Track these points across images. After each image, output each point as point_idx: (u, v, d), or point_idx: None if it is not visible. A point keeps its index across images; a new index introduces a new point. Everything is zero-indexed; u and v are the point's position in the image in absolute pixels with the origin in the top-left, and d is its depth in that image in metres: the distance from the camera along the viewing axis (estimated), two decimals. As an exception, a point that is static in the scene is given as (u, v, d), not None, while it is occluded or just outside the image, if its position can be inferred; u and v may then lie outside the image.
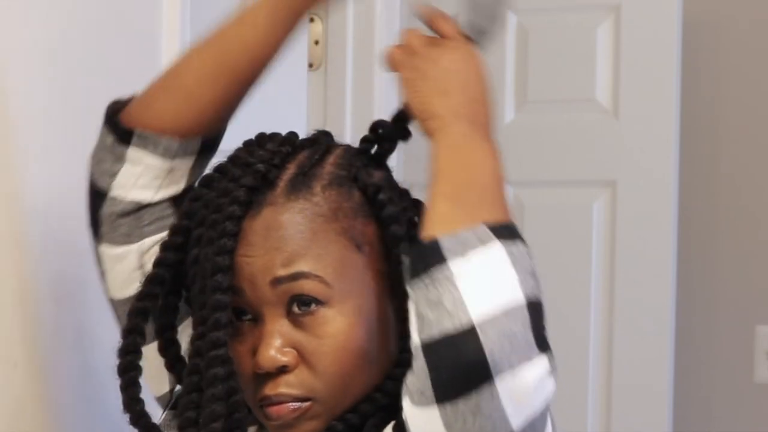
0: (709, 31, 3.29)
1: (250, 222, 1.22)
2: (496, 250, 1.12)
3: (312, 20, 2.90)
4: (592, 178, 3.20)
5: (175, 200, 1.35)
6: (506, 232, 1.14)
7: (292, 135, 1.29)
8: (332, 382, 1.21)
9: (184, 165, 1.34)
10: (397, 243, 1.22)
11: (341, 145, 1.30)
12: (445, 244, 1.11)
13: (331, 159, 1.27)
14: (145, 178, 1.33)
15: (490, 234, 1.12)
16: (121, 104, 1.37)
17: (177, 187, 1.35)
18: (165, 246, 1.28)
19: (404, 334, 1.21)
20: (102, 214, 1.35)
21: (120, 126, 1.34)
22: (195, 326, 1.24)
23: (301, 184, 1.23)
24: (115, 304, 1.38)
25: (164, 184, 1.34)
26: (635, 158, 3.12)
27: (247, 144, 1.28)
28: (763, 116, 3.25)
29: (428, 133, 1.21)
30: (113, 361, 1.67)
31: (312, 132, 1.32)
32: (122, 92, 1.77)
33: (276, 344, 1.21)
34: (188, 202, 1.28)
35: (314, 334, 1.21)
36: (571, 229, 3.20)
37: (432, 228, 1.14)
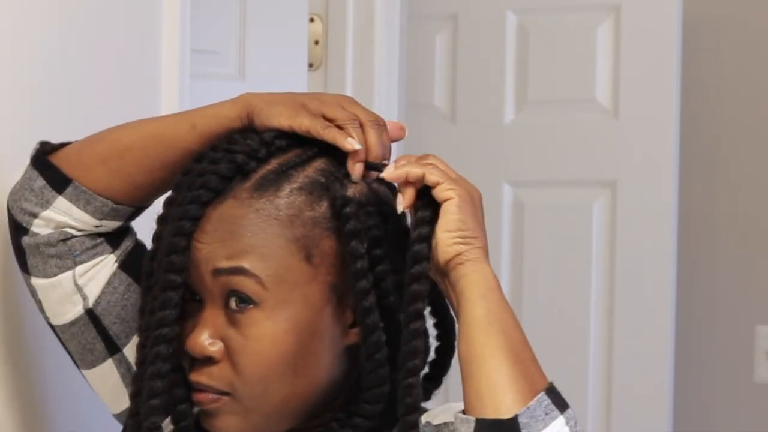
0: (709, 31, 3.29)
1: (212, 209, 1.22)
2: (559, 422, 1.15)
3: (312, 20, 2.90)
4: (592, 178, 3.20)
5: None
6: (559, 399, 1.17)
7: None
8: (251, 384, 1.21)
9: (112, 224, 1.34)
10: (355, 259, 1.20)
11: (338, 151, 1.25)
12: (522, 420, 1.13)
13: (317, 163, 1.24)
14: (70, 224, 1.33)
15: (552, 406, 1.16)
16: (50, 148, 1.35)
17: (105, 230, 1.34)
18: (158, 219, 1.27)
19: (355, 352, 1.23)
20: (24, 244, 1.34)
21: (58, 172, 1.32)
22: (147, 305, 1.25)
23: (269, 184, 1.22)
24: (57, 330, 1.37)
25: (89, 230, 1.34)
26: (635, 158, 3.13)
27: (250, 128, 1.26)
28: (763, 116, 3.26)
29: (458, 261, 1.19)
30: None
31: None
32: (122, 91, 1.77)
33: (207, 333, 1.22)
34: (180, 175, 1.26)
35: (242, 333, 1.21)
36: (571, 229, 3.20)
37: (500, 395, 1.15)
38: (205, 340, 1.21)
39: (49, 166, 1.33)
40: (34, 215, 1.32)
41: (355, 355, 1.25)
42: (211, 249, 1.21)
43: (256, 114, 1.25)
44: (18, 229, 1.34)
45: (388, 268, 1.22)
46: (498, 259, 3.23)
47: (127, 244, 1.35)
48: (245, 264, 1.20)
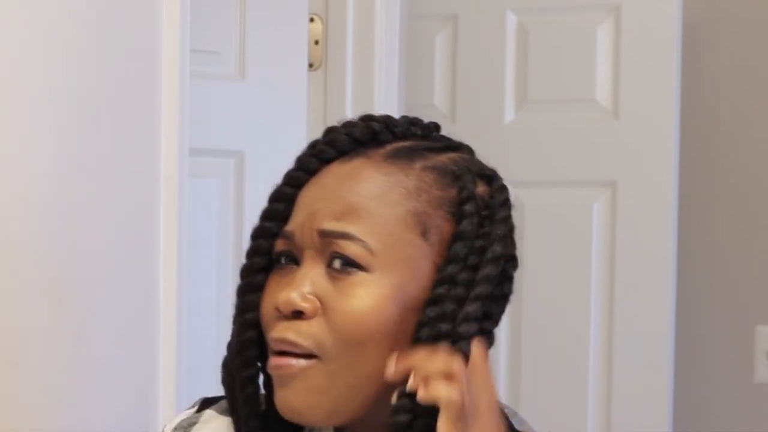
0: (709, 31, 3.29)
1: (339, 165, 1.19)
2: None
3: (312, 20, 2.90)
4: (592, 178, 3.20)
5: None
6: None
7: (434, 125, 1.26)
8: (344, 344, 1.13)
9: None
10: (455, 260, 1.16)
11: (471, 154, 1.24)
12: None
13: (451, 154, 1.22)
14: None
15: None
16: None
17: None
18: (273, 197, 1.22)
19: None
20: None
21: None
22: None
23: (404, 155, 1.19)
24: None
25: None
26: (635, 158, 3.13)
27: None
28: (763, 116, 3.26)
29: None
30: (112, 361, 1.67)
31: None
32: (122, 92, 1.77)
33: (303, 289, 1.15)
34: (304, 151, 1.22)
35: (344, 291, 1.14)
36: (571, 229, 3.20)
37: None
38: (297, 295, 1.14)
39: None
40: None
41: None
42: (325, 205, 1.16)
43: None
44: None
45: (470, 278, 1.19)
46: (498, 259, 3.23)
47: None
48: (353, 230, 1.15)
